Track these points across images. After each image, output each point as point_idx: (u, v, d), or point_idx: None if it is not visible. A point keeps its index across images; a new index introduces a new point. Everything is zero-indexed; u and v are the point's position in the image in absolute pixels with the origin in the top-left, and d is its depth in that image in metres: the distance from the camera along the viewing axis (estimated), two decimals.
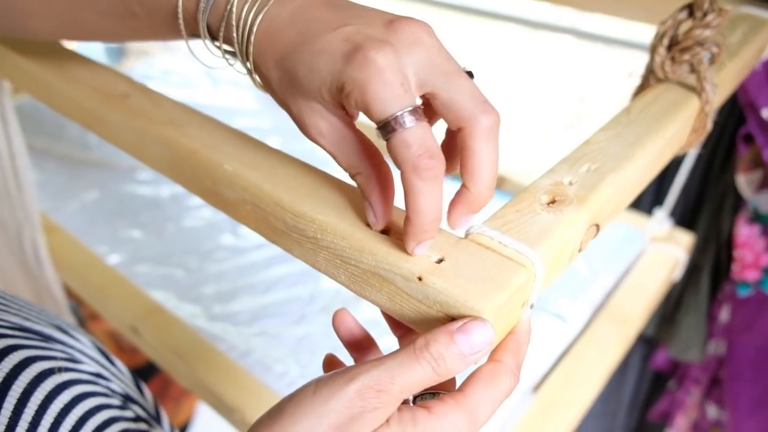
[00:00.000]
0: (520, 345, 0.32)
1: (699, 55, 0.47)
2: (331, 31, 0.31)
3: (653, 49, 0.50)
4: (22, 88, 0.53)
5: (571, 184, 0.38)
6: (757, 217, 0.87)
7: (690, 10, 0.47)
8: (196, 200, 1.05)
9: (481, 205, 0.32)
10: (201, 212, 1.03)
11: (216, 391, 0.69)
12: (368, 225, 0.33)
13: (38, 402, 0.35)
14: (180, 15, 0.34)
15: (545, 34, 1.23)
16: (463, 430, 0.28)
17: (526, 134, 1.43)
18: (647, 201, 1.05)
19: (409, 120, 0.29)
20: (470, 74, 0.32)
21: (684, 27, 0.48)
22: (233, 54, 0.35)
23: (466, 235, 0.33)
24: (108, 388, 0.41)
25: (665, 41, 0.49)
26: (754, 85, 0.72)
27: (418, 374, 0.27)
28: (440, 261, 0.31)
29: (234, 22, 0.33)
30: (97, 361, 0.42)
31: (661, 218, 0.91)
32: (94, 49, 1.54)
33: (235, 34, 0.33)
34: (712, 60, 0.48)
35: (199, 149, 0.39)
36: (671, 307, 1.06)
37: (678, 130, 0.47)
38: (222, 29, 0.34)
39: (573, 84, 1.29)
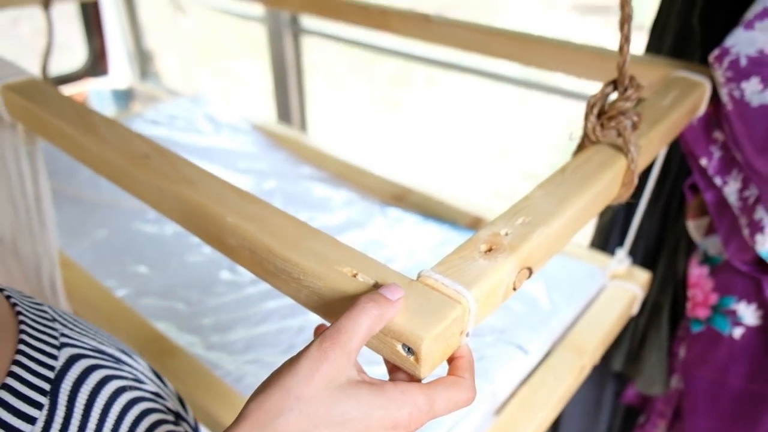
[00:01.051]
0: (471, 365, 0.40)
1: (623, 123, 0.57)
2: None
3: (586, 117, 0.59)
4: (61, 147, 0.62)
5: (506, 234, 0.46)
6: (706, 259, 0.95)
7: (614, 85, 0.57)
8: (198, 238, 1.13)
9: None
10: (202, 249, 1.11)
11: (211, 413, 0.77)
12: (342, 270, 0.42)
13: (116, 414, 0.42)
14: None
15: (537, 93, 1.32)
16: (421, 407, 0.35)
17: (510, 178, 1.53)
18: (614, 243, 1.14)
19: None
20: None
21: (611, 98, 0.57)
22: None
23: (418, 278, 0.42)
24: (165, 406, 0.48)
25: (595, 110, 0.58)
26: (691, 138, 0.81)
27: (361, 321, 0.34)
28: None
29: None
30: (154, 382, 0.49)
31: (621, 257, 1.00)
32: (103, 96, 1.64)
33: None
34: (634, 126, 0.58)
35: (207, 204, 0.48)
36: (636, 345, 1.13)
37: (605, 187, 0.56)
38: None
39: (557, 132, 1.39)
